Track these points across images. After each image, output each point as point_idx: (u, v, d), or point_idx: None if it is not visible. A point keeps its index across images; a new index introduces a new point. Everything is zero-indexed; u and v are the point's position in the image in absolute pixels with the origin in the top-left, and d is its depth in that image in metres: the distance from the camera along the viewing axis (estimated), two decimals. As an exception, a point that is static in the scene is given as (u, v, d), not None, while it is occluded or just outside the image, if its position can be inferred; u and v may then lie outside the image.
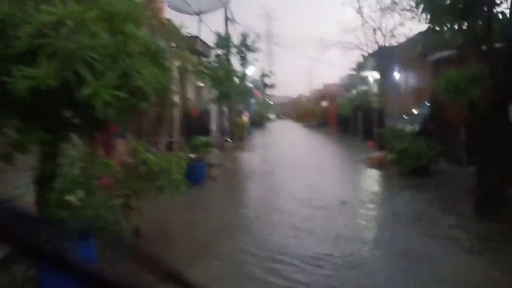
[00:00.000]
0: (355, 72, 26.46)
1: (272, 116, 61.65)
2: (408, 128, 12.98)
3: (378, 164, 11.55)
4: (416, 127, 12.55)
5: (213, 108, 19.61)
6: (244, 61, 18.44)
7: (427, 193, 8.03)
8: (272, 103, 69.76)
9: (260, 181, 10.39)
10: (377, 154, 12.07)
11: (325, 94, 38.50)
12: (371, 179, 10.27)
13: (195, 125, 14.45)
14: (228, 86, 17.81)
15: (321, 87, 53.40)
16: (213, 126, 19.28)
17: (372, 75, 18.91)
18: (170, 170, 5.77)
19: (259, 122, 44.11)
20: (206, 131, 17.99)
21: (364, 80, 22.06)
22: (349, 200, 7.75)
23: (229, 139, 19.63)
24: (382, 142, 12.60)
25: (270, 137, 29.41)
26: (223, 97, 18.20)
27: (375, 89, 19.68)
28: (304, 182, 9.74)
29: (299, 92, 74.56)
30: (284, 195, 8.35)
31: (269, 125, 47.38)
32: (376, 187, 9.28)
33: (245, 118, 36.17)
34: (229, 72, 17.90)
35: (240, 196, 8.86)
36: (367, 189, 8.98)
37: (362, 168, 11.81)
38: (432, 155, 9.60)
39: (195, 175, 9.41)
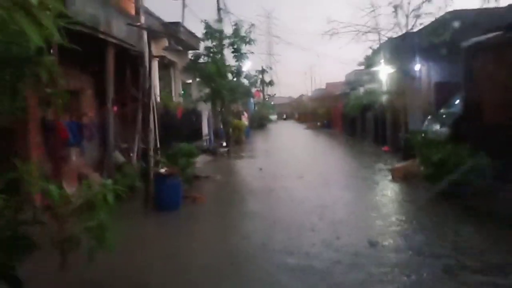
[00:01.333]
0: (363, 68, 24.13)
1: (273, 117, 59.21)
2: (435, 130, 10.61)
3: (403, 178, 9.18)
4: (446, 130, 10.18)
5: (205, 109, 17.25)
6: (238, 54, 16.08)
7: (494, 229, 5.65)
8: (273, 103, 67.49)
9: (257, 203, 7.92)
10: (401, 164, 9.69)
11: (328, 93, 36.10)
12: (401, 201, 7.86)
13: (177, 127, 12.10)
14: (220, 83, 15.44)
15: (323, 86, 51.15)
16: (205, 129, 16.92)
17: (384, 70, 16.52)
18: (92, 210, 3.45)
19: (259, 123, 41.80)
20: (195, 135, 15.66)
21: (374, 76, 19.67)
22: (379, 238, 5.38)
23: (223, 144, 17.25)
24: (408, 149, 10.20)
25: (271, 140, 27.03)
26: (214, 95, 15.83)
27: (387, 85, 17.30)
28: (314, 206, 7.36)
29: (301, 92, 72.41)
30: (291, 230, 5.94)
31: (270, 126, 44.99)
32: (411, 215, 6.88)
33: (244, 119, 34.06)
34: (221, 66, 15.53)
35: (226, 234, 6.32)
36: (400, 218, 6.57)
37: (382, 181, 9.43)
38: (482, 169, 7.21)
39: (165, 197, 7.05)
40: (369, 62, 20.75)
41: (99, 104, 9.72)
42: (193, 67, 15.83)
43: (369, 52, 23.54)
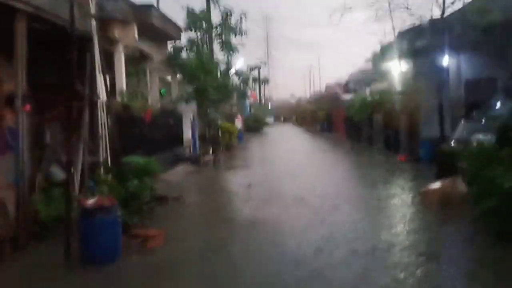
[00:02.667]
0: (369, 67, 21.72)
1: (270, 119, 56.61)
2: (477, 139, 8.18)
3: (440, 203, 6.73)
4: (490, 139, 7.73)
5: (188, 110, 14.74)
6: (226, 46, 13.64)
7: None
8: (270, 105, 64.95)
9: (236, 250, 5.40)
10: (436, 185, 7.20)
11: (328, 95, 33.68)
12: (449, 246, 5.35)
13: (144, 134, 9.63)
14: (205, 80, 12.97)
15: (323, 87, 48.71)
16: (187, 134, 14.42)
17: (398, 66, 14.11)
18: None
19: (255, 126, 39.27)
20: (174, 141, 13.19)
21: (384, 74, 17.25)
22: None
23: (209, 151, 14.72)
24: (446, 163, 7.71)
25: (266, 145, 24.51)
26: (198, 95, 13.35)
27: (401, 84, 14.90)
28: (320, 262, 4.88)
29: (300, 94, 70.02)
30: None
31: (266, 130, 42.37)
32: (470, 273, 4.41)
33: (238, 122, 31.67)
34: (206, 61, 13.06)
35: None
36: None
37: (411, 208, 6.96)
38: None
39: (92, 243, 4.57)
40: (379, 58, 18.33)
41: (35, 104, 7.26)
42: (173, 62, 13.36)
43: (378, 48, 21.32)
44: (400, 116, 14.43)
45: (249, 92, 25.00)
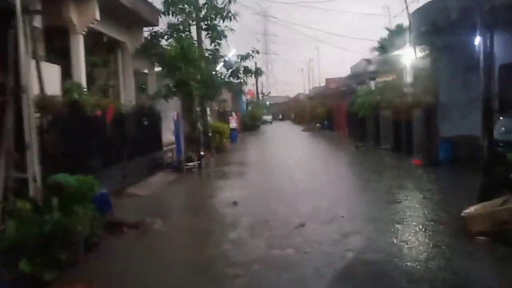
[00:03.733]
0: (375, 55, 19.78)
1: (267, 117, 54.54)
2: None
3: (490, 230, 4.84)
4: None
5: (170, 108, 12.79)
6: (212, 31, 11.67)
7: None
8: (268, 103, 62.87)
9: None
10: (485, 204, 5.28)
11: (328, 90, 31.73)
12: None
13: (105, 138, 7.70)
14: (186, 72, 11.01)
15: (323, 83, 46.70)
16: (167, 136, 12.48)
17: (412, 51, 12.16)
18: None
19: (251, 125, 37.34)
20: (151, 145, 11.25)
21: (393, 65, 15.31)
22: None
23: (193, 155, 12.75)
24: (498, 175, 5.76)
25: (262, 146, 22.54)
26: (179, 89, 11.39)
27: (415, 73, 12.98)
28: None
29: (298, 90, 68.04)
30: None
31: (264, 128, 40.43)
32: None
33: (233, 121, 29.77)
34: (188, 49, 11.09)
35: None
36: None
37: (452, 238, 5.05)
38: None
39: None
40: (387, 44, 16.43)
41: None
42: (149, 51, 11.41)
43: (385, 34, 19.35)
44: (413, 111, 12.52)
45: (244, 88, 23.09)
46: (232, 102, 33.83)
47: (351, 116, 21.62)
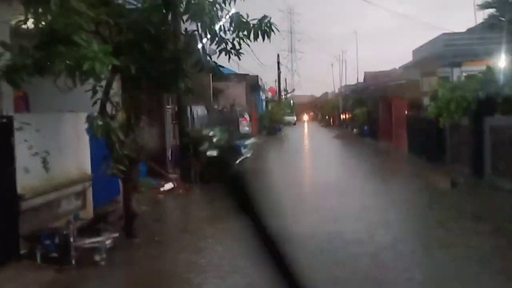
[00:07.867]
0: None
1: (291, 118, 47.00)
2: None
3: None
4: None
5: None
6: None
7: None
8: (292, 102, 55.46)
9: None
10: None
11: (374, 85, 24.26)
12: None
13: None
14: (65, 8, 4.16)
15: (354, 80, 38.98)
16: (60, 168, 5.57)
17: None
18: None
19: (271, 128, 30.23)
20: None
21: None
22: None
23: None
24: None
25: (279, 161, 15.42)
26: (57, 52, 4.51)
27: None
28: None
29: (325, 89, 60.65)
30: None
31: (286, 132, 33.09)
32: None
33: (244, 124, 23.33)
34: None
35: None
36: None
37: None
38: None
39: None
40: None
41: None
42: None
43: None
44: None
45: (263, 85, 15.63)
46: (246, 100, 26.89)
47: (415, 123, 14.28)
